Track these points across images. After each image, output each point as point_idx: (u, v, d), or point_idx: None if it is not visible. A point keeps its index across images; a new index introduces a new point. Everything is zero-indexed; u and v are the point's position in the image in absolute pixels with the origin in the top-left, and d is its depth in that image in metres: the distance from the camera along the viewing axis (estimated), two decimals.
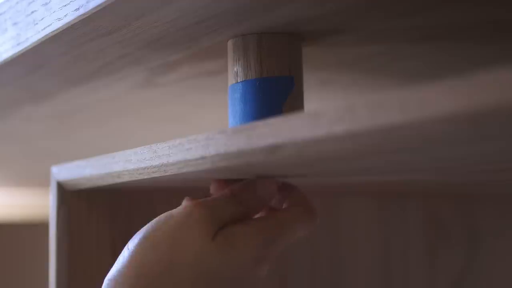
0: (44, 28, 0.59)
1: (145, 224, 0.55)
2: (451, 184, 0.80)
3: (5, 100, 0.90)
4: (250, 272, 0.53)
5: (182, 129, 1.12)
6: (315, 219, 0.57)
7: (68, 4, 0.55)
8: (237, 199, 0.55)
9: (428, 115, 0.34)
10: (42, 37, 0.60)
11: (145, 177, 0.58)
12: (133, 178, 0.60)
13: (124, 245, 0.54)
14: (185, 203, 0.54)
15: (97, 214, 0.71)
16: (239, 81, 0.59)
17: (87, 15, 0.54)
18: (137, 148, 0.58)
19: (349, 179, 0.69)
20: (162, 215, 0.54)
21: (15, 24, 0.64)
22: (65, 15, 0.56)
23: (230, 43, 0.60)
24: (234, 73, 0.59)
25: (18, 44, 0.64)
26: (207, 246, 0.51)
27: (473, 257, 0.96)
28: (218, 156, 0.49)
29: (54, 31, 0.58)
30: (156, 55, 0.65)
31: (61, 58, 0.67)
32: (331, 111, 0.40)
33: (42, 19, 0.59)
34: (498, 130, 0.35)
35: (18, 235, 1.93)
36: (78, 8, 0.54)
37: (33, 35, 0.61)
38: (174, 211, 0.54)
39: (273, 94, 0.58)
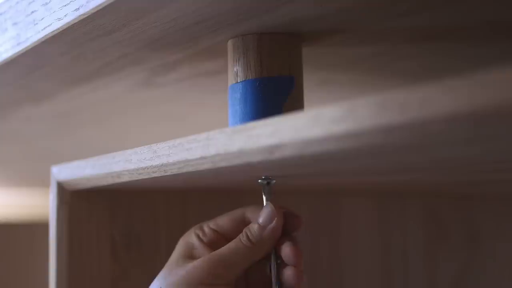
0: (44, 28, 0.59)
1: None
2: (451, 184, 0.80)
3: (5, 100, 0.90)
4: None
5: (182, 129, 1.12)
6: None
7: (68, 4, 0.55)
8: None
9: (428, 115, 0.34)
10: (42, 37, 0.60)
11: (145, 177, 0.58)
12: (133, 178, 0.60)
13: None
14: None
15: (97, 214, 0.71)
16: (239, 81, 0.59)
17: (87, 15, 0.54)
18: (137, 148, 0.58)
19: (349, 179, 0.69)
20: None
21: (15, 24, 0.64)
22: (65, 15, 0.56)
23: (230, 43, 0.60)
24: (234, 73, 0.59)
25: (18, 44, 0.64)
26: None
27: (473, 257, 0.96)
28: (218, 156, 0.49)
29: (54, 31, 0.58)
30: (156, 55, 0.65)
31: (61, 58, 0.67)
32: (331, 111, 0.40)
33: (42, 19, 0.59)
34: (498, 130, 0.35)
35: (18, 235, 1.93)
36: (78, 8, 0.54)
37: (33, 35, 0.61)
38: None
39: (273, 94, 0.58)
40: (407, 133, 0.36)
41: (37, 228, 1.84)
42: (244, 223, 0.60)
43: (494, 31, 0.62)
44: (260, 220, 0.58)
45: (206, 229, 0.60)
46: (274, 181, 0.60)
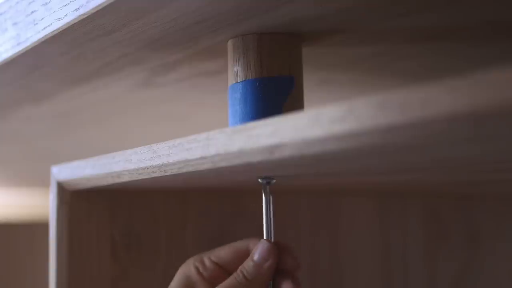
0: (44, 28, 0.59)
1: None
2: (451, 184, 0.80)
3: (5, 100, 0.90)
4: None
5: (182, 129, 1.12)
6: None
7: (68, 4, 0.55)
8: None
9: (428, 115, 0.34)
10: (42, 37, 0.60)
11: (145, 177, 0.58)
12: (133, 178, 0.60)
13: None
14: None
15: (97, 214, 0.71)
16: (239, 81, 0.59)
17: (87, 15, 0.54)
18: (137, 148, 0.58)
19: (349, 179, 0.69)
20: None
21: (15, 24, 0.64)
22: (65, 15, 0.56)
23: (230, 43, 0.60)
24: (234, 73, 0.59)
25: (18, 44, 0.64)
26: None
27: (473, 257, 0.96)
28: (218, 156, 0.49)
29: (54, 31, 0.58)
30: (156, 55, 0.65)
31: (61, 58, 0.67)
32: (331, 111, 0.40)
33: (42, 19, 0.59)
34: (498, 130, 0.35)
35: (18, 235, 1.93)
36: (78, 8, 0.54)
37: (33, 35, 0.61)
38: None
39: (273, 94, 0.58)
40: (407, 133, 0.36)
41: (37, 228, 1.84)
42: (247, 255, 0.59)
43: (494, 31, 0.62)
44: (255, 257, 0.57)
45: (206, 261, 0.59)
46: (274, 181, 0.60)
